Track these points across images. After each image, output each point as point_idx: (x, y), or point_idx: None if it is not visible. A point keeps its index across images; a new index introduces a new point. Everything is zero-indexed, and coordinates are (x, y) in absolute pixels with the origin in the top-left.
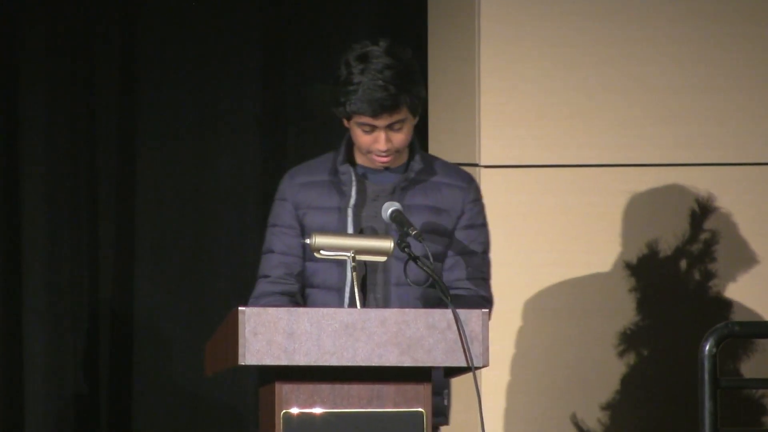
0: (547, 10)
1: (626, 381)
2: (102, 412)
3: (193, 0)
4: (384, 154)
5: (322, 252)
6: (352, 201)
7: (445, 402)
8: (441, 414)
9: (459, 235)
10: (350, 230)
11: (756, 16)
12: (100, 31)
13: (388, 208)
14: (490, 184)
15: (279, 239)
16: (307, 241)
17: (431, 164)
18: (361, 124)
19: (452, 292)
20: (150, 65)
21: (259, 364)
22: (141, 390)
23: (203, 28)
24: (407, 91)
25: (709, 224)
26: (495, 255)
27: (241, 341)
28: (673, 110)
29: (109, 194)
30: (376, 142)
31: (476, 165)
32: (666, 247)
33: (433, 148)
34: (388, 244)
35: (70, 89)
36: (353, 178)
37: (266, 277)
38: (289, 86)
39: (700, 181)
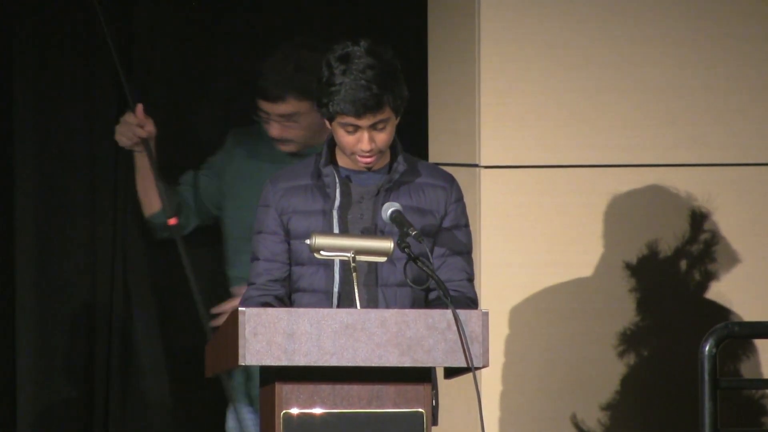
0: (547, 11)
1: (626, 381)
2: (97, 413)
3: (193, 0)
4: (368, 154)
5: (322, 252)
6: (337, 203)
7: (434, 402)
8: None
9: (444, 236)
10: (335, 232)
11: (756, 16)
12: (96, 31)
13: (389, 209)
14: (490, 185)
15: (264, 246)
16: (307, 241)
17: (414, 165)
18: (344, 125)
19: (439, 293)
20: (146, 66)
21: (260, 364)
22: (138, 390)
23: (201, 28)
24: (390, 91)
25: (708, 225)
26: (495, 255)
27: (241, 342)
28: (673, 110)
29: (103, 195)
30: (360, 142)
31: (476, 165)
32: (666, 248)
33: (433, 149)
34: (388, 244)
35: (68, 89)
36: (337, 180)
37: (253, 284)
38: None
39: (700, 182)
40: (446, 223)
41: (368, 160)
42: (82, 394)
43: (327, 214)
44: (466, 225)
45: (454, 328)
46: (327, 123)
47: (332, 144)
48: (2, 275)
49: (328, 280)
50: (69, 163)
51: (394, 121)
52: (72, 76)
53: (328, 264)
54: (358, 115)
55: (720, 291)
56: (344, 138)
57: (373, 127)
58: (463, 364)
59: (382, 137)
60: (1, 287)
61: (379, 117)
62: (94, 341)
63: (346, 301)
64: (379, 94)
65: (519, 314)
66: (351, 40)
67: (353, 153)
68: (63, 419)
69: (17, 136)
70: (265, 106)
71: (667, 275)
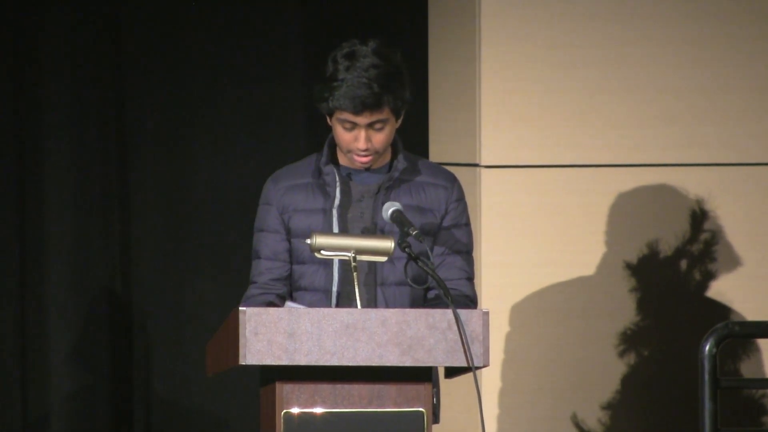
0: (547, 11)
1: (626, 381)
2: (100, 412)
3: (193, 1)
4: (364, 153)
5: (322, 252)
6: (337, 202)
7: (435, 401)
8: (431, 413)
9: (444, 235)
10: (335, 231)
11: (756, 16)
12: (94, 31)
13: (389, 208)
14: (490, 185)
15: (265, 245)
16: (308, 241)
17: (415, 164)
18: (342, 121)
19: (438, 292)
20: (142, 68)
21: (260, 364)
22: (139, 390)
23: (201, 30)
24: (391, 92)
25: (709, 224)
26: (495, 254)
27: (242, 341)
28: (673, 111)
29: (105, 193)
30: (357, 140)
31: (477, 165)
32: (666, 248)
33: (434, 149)
34: (388, 244)
35: (68, 87)
36: (337, 179)
37: (254, 283)
38: (283, 87)
39: (700, 182)
40: (446, 223)
41: (364, 159)
42: (82, 392)
43: (327, 213)
44: (467, 224)
45: (455, 327)
46: (327, 119)
47: (333, 143)
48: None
49: (328, 279)
50: (70, 162)
51: (393, 123)
52: (74, 73)
53: (328, 263)
54: (356, 111)
55: (720, 290)
56: (342, 135)
57: (370, 126)
58: (464, 364)
59: (380, 138)
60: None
61: (377, 116)
62: (96, 339)
63: (345, 300)
64: (379, 93)
65: (519, 314)
66: (360, 39)
67: (350, 151)
68: (64, 415)
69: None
70: None
71: (668, 275)
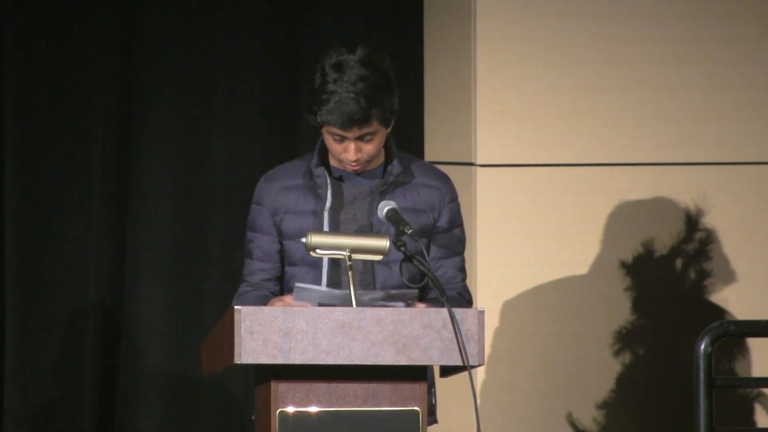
0: (543, 10)
1: (622, 380)
2: (95, 412)
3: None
4: (354, 163)
5: (318, 251)
6: (328, 204)
7: (433, 401)
8: (430, 413)
9: (441, 236)
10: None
11: (751, 15)
12: (96, 28)
13: (384, 207)
14: (485, 184)
15: (257, 246)
16: (303, 240)
17: (408, 166)
18: (331, 134)
19: (436, 295)
20: (146, 62)
21: (255, 362)
22: (136, 390)
23: (203, 25)
24: (379, 104)
25: (704, 224)
26: (490, 253)
27: (237, 340)
28: (670, 110)
29: (101, 192)
30: (347, 151)
31: (472, 164)
32: (662, 247)
33: (430, 148)
34: (384, 243)
35: (67, 84)
36: (328, 181)
37: (246, 282)
38: (281, 87)
39: (695, 181)
40: (442, 224)
41: (355, 168)
42: (80, 392)
43: (318, 215)
44: (461, 225)
45: (450, 326)
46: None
47: (324, 145)
48: None
49: (316, 280)
50: (68, 158)
51: (383, 132)
52: (74, 69)
53: (317, 265)
54: (345, 127)
55: (715, 290)
56: (332, 145)
57: (360, 138)
58: (459, 363)
59: (369, 148)
60: None
61: (366, 130)
62: (92, 339)
63: None
64: (367, 107)
65: (514, 313)
66: (347, 47)
67: (341, 160)
68: (60, 417)
69: (6, 133)
70: None
71: (663, 274)
